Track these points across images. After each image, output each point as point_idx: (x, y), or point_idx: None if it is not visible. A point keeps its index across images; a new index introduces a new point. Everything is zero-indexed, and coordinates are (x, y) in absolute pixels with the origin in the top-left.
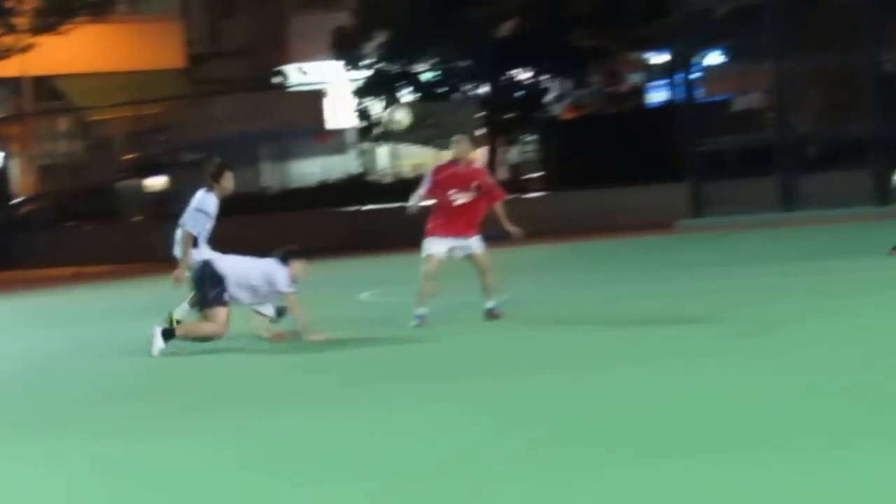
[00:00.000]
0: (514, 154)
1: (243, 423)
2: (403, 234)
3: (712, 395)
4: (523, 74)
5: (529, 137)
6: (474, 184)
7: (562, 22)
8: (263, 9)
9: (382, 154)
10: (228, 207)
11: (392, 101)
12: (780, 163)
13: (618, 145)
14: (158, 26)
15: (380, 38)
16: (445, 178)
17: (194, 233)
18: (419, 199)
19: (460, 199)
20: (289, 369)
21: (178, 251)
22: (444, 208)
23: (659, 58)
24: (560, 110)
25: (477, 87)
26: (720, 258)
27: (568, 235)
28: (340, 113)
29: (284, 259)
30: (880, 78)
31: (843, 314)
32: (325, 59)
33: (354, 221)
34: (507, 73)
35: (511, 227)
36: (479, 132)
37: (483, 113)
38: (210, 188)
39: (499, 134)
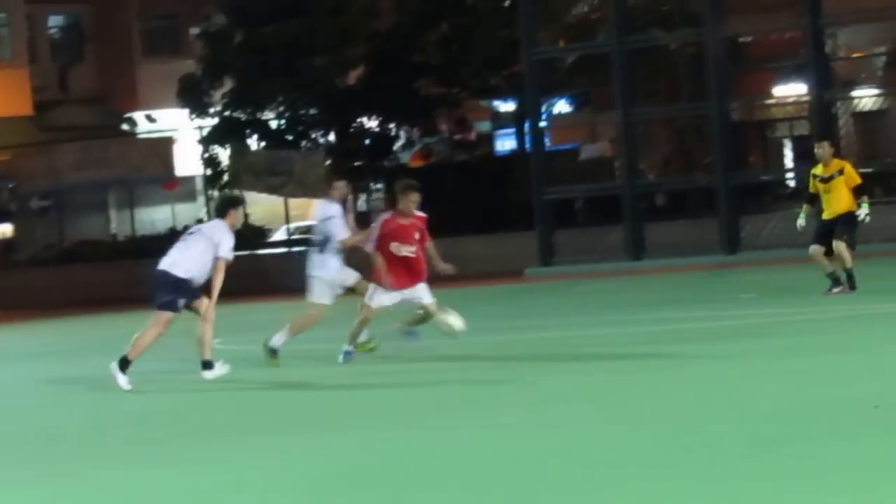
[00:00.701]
0: (362, 202)
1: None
2: (251, 282)
3: (527, 451)
4: (371, 122)
5: (377, 185)
6: (416, 234)
7: (410, 69)
8: (111, 56)
9: None
10: (77, 255)
11: (239, 148)
12: (629, 211)
13: (467, 193)
14: (5, 73)
15: (227, 85)
16: (392, 231)
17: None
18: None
19: (405, 251)
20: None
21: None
22: (392, 260)
23: (507, 106)
24: (408, 158)
25: (325, 134)
26: (567, 307)
27: None
28: (188, 160)
29: (222, 212)
30: (727, 126)
31: (674, 363)
32: (172, 106)
33: None
34: (355, 120)
35: (442, 266)
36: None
37: (330, 160)
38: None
39: (346, 182)
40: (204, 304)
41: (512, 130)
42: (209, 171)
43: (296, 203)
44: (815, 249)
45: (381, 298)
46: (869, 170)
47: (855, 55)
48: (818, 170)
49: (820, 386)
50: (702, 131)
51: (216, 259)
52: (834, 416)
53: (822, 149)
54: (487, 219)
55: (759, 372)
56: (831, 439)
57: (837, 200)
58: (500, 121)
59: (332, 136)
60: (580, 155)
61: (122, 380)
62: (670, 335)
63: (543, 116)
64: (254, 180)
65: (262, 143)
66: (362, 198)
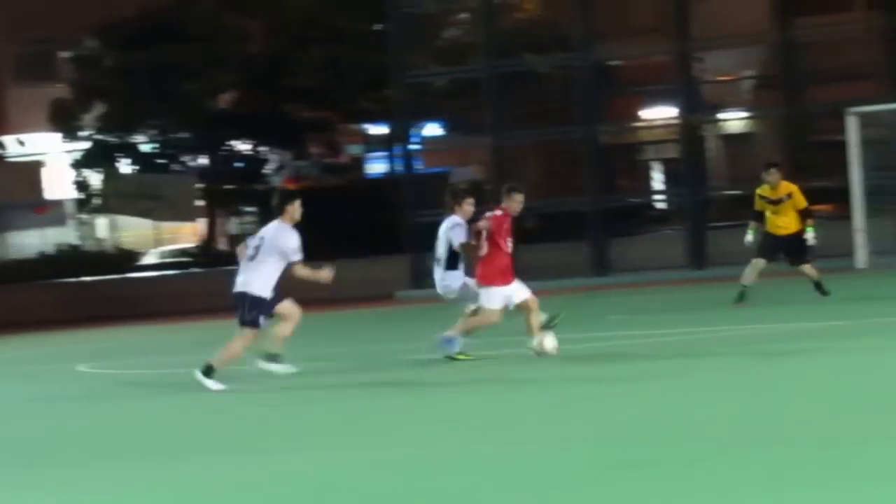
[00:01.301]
0: (233, 225)
1: None
2: (121, 306)
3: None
4: (243, 146)
5: (249, 209)
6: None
7: (281, 93)
8: None
9: (101, 225)
10: None
11: (111, 172)
12: None
13: (338, 217)
14: None
15: (98, 109)
16: (506, 230)
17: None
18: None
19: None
20: None
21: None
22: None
23: (379, 129)
24: (280, 182)
25: (196, 158)
26: (435, 331)
27: None
28: (59, 184)
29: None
30: (597, 150)
31: (539, 385)
32: (43, 130)
33: (74, 293)
34: (227, 144)
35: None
36: (198, 203)
37: (202, 184)
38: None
39: (218, 205)
40: (286, 306)
41: (384, 154)
42: (80, 195)
43: (167, 227)
44: (760, 262)
45: (496, 300)
46: (737, 192)
47: (722, 78)
48: (766, 192)
49: (685, 406)
50: (572, 154)
51: (291, 265)
52: (698, 437)
53: (771, 175)
54: (359, 242)
55: (624, 393)
56: (696, 460)
57: (786, 222)
58: (371, 144)
59: (203, 160)
60: (451, 178)
61: (214, 384)
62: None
63: (415, 140)
64: (125, 204)
65: (134, 167)
66: (233, 221)
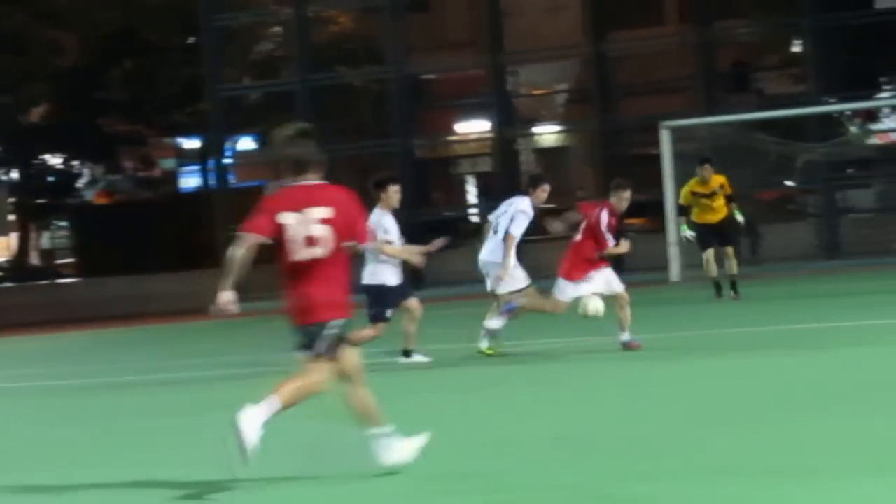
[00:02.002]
0: (46, 239)
1: None
2: None
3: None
4: (55, 159)
5: (62, 223)
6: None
7: (94, 107)
8: None
9: None
10: None
11: None
12: None
13: (151, 231)
14: None
15: None
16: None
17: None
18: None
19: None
20: None
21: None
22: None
23: (192, 143)
24: (92, 195)
25: (7, 171)
26: (253, 345)
27: (101, 322)
28: None
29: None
30: (412, 163)
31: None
32: None
33: None
34: (38, 158)
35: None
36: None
37: (14, 198)
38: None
39: (30, 219)
40: (412, 302)
41: (197, 168)
42: None
43: None
44: (709, 253)
45: (567, 293)
46: (551, 206)
47: (536, 92)
48: (697, 186)
49: (503, 418)
50: (386, 168)
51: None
52: (518, 449)
53: (706, 170)
54: (172, 256)
55: (443, 405)
56: (518, 469)
57: (720, 209)
58: (185, 158)
59: (15, 174)
60: (265, 192)
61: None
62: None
63: (228, 153)
64: None
65: None
66: (46, 235)
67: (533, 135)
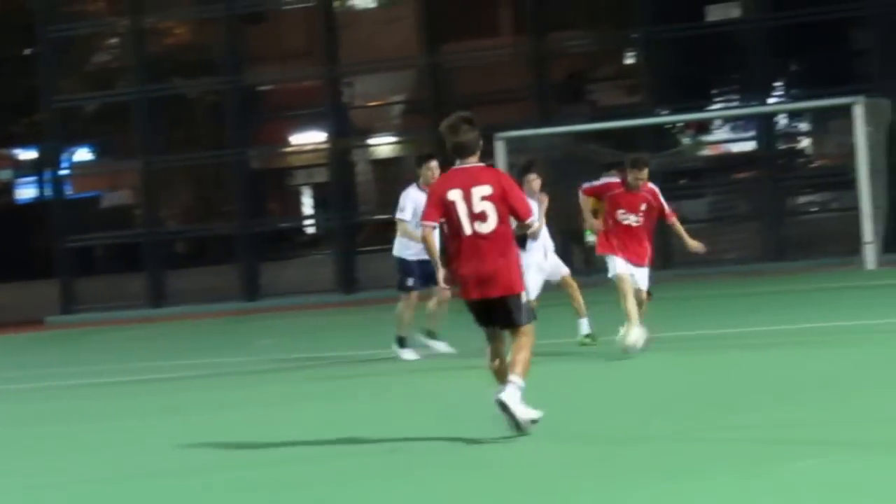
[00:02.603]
0: None
1: None
2: None
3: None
4: None
5: None
6: (643, 206)
7: None
8: None
9: None
10: None
11: None
12: (149, 259)
13: None
14: None
15: None
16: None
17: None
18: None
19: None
20: None
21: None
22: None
23: (28, 154)
24: None
25: None
26: (87, 356)
27: None
28: None
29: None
30: (247, 175)
31: (184, 413)
32: None
33: None
34: None
35: (693, 244)
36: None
37: None
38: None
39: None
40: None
41: (33, 178)
42: None
43: None
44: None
45: (616, 265)
46: (387, 216)
47: (372, 104)
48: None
49: (334, 430)
50: (222, 179)
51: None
52: (349, 459)
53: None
54: (8, 267)
55: (277, 416)
56: (349, 480)
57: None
58: (21, 169)
59: None
60: (102, 203)
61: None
62: (187, 382)
63: (65, 164)
64: None
65: None
66: None
67: (369, 146)
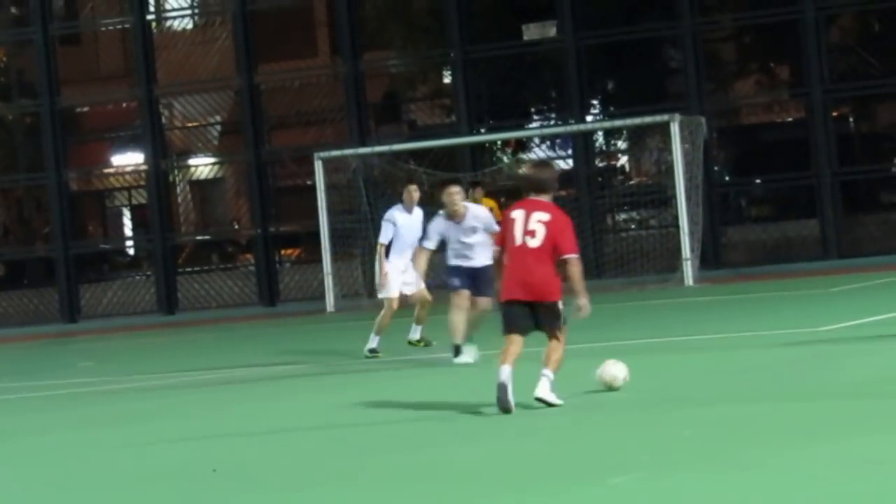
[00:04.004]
0: None
1: None
2: None
3: None
4: None
5: None
6: None
7: None
8: None
9: None
10: None
11: None
12: None
13: None
14: None
15: None
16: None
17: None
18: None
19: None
20: None
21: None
22: None
23: None
24: None
25: None
26: None
27: None
28: None
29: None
30: (66, 197)
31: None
32: None
33: None
34: None
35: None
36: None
37: None
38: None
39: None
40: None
41: None
42: None
43: None
44: None
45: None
46: (207, 237)
47: (190, 125)
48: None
49: (160, 451)
50: (40, 201)
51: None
52: (177, 480)
53: (477, 193)
54: None
55: (97, 440)
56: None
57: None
58: None
59: None
60: None
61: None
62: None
63: None
64: None
65: None
66: None
67: (188, 167)
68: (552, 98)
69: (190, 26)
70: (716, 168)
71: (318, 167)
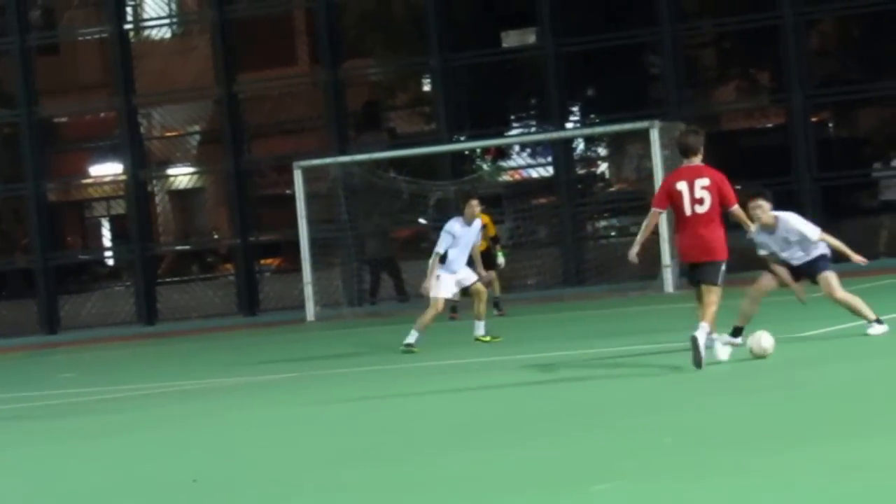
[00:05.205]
0: None
1: None
2: None
3: None
4: None
5: None
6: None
7: None
8: None
9: None
10: None
11: None
12: None
13: None
14: None
15: None
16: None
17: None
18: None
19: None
20: None
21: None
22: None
23: None
24: None
25: None
26: None
27: None
28: None
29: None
30: (45, 208)
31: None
32: None
33: None
34: None
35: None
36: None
37: None
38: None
39: None
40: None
41: None
42: None
43: None
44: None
45: None
46: (187, 247)
47: (169, 134)
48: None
49: (141, 462)
50: (19, 212)
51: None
52: (157, 491)
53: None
54: None
55: (77, 451)
56: None
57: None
58: None
59: None
60: None
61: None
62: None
63: None
64: None
65: None
66: None
67: (167, 176)
68: (532, 105)
69: (168, 35)
70: None
71: (298, 176)
